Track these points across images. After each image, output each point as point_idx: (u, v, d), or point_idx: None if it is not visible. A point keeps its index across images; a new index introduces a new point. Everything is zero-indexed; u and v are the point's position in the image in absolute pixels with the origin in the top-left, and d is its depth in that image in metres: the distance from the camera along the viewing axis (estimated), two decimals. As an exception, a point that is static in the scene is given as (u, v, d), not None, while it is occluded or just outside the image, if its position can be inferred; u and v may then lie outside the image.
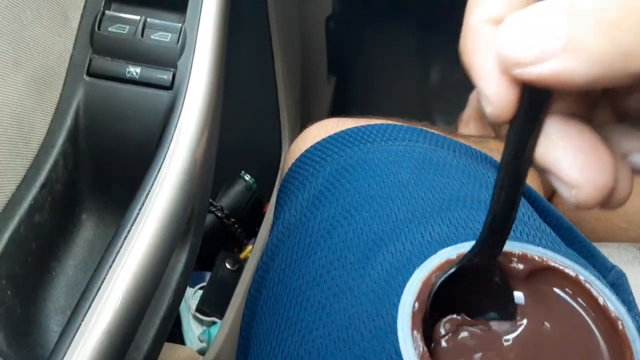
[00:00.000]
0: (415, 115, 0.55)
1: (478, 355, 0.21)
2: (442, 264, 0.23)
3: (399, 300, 0.33)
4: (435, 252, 0.35)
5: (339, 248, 0.37)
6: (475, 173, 0.42)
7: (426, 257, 0.34)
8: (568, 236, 0.42)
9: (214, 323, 0.77)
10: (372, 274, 0.34)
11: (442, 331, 0.22)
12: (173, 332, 0.76)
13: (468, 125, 0.82)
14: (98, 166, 0.37)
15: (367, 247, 0.36)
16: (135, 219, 0.31)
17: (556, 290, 0.22)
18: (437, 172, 0.40)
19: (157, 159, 0.34)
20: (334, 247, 0.37)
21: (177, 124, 0.35)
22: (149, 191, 0.32)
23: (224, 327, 0.72)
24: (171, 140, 0.34)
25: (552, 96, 0.18)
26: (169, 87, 0.36)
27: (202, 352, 0.73)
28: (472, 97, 0.88)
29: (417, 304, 0.21)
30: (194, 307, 0.77)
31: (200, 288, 0.80)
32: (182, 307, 0.78)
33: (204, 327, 0.77)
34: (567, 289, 0.22)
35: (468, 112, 0.83)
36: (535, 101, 0.17)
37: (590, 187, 0.17)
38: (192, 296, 0.80)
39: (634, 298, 0.41)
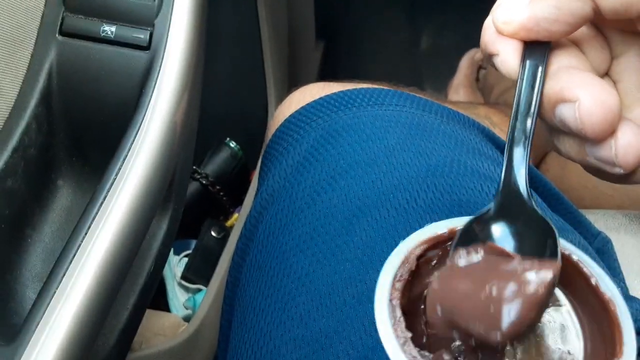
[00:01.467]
0: (405, 82, 0.54)
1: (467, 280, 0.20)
2: (430, 237, 0.23)
3: (382, 267, 0.33)
4: (421, 219, 0.34)
5: (323, 214, 0.36)
6: (462, 138, 0.41)
7: (411, 224, 0.34)
8: (554, 202, 0.42)
9: (199, 290, 0.77)
10: (355, 240, 0.33)
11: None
12: (158, 299, 0.76)
13: (457, 92, 0.81)
14: (74, 130, 0.36)
15: (351, 213, 0.35)
16: (112, 184, 0.30)
17: None
18: (424, 138, 0.40)
19: (134, 122, 0.32)
20: (317, 213, 0.36)
21: (155, 85, 0.34)
22: (126, 156, 0.31)
23: (209, 295, 0.72)
24: (149, 103, 0.33)
25: (547, 46, 0.23)
26: (146, 47, 0.34)
27: (187, 319, 0.73)
28: (462, 63, 0.87)
29: (400, 273, 0.21)
30: (179, 274, 0.77)
31: (185, 256, 0.80)
32: (167, 275, 0.77)
33: (190, 295, 0.77)
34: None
35: (458, 78, 0.82)
36: (534, 51, 0.23)
37: (590, 100, 0.20)
38: (178, 264, 0.79)
39: (619, 264, 0.41)
